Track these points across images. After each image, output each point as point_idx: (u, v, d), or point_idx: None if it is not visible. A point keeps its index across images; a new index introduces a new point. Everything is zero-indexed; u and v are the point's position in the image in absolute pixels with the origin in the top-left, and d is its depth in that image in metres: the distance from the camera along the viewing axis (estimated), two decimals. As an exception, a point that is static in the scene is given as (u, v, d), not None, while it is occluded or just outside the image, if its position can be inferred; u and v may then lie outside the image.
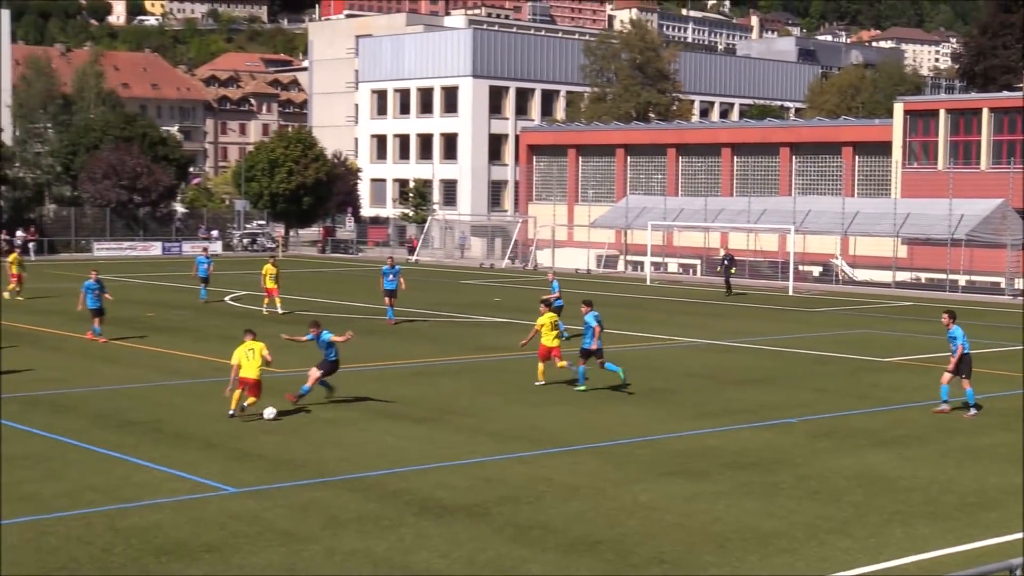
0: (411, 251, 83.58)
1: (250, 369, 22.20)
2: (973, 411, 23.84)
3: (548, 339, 26.68)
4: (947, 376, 24.21)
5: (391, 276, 39.66)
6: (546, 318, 26.84)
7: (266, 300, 42.37)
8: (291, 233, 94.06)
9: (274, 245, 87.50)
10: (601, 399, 25.34)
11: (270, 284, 42.10)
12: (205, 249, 52.81)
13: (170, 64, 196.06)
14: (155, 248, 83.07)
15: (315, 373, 23.65)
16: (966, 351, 24.03)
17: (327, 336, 23.65)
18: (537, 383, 26.80)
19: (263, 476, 18.16)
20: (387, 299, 39.99)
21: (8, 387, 25.86)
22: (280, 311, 41.24)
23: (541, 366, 26.94)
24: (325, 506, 16.49)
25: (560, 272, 69.63)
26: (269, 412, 22.37)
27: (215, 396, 24.88)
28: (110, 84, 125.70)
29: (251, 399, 22.38)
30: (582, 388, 26.26)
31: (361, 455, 19.71)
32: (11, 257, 48.64)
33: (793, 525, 15.92)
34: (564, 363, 26.67)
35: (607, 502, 16.94)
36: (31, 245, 76.47)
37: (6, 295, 45.77)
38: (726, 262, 56.66)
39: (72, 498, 16.74)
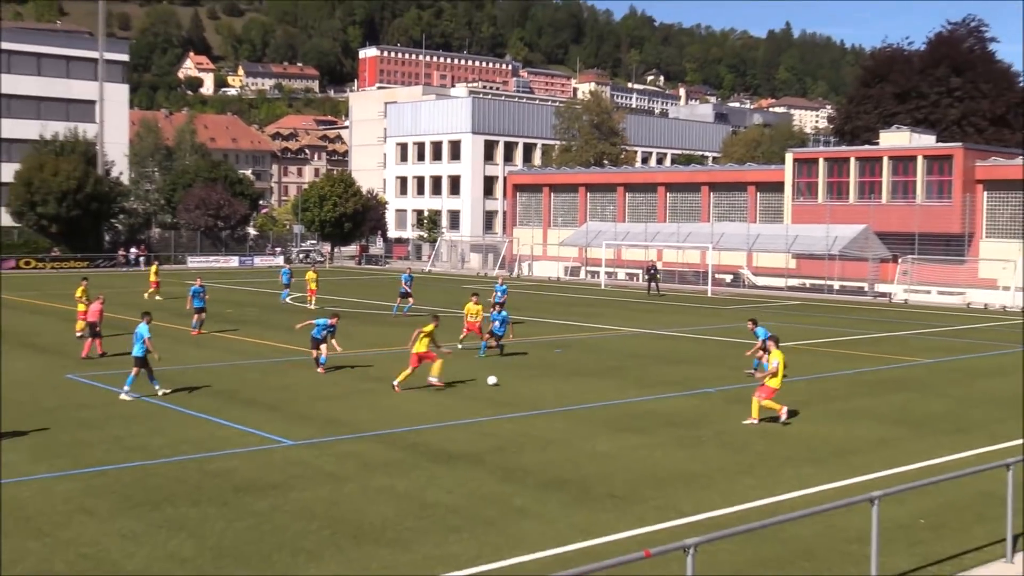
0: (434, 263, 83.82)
1: (417, 346, 22.50)
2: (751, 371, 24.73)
3: (471, 318, 29.15)
4: (761, 353, 24.56)
5: (408, 283, 39.72)
6: (471, 306, 29.06)
7: (310, 298, 42.65)
8: (335, 250, 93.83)
9: (322, 259, 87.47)
10: (569, 375, 25.28)
11: (312, 286, 42.45)
12: (288, 262, 52.04)
13: (246, 123, 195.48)
14: (233, 261, 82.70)
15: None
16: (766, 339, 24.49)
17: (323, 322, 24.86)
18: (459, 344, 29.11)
19: (314, 432, 18.07)
20: (399, 298, 39.89)
21: (126, 365, 25.70)
22: (312, 307, 41.39)
23: (465, 333, 29.30)
24: (360, 454, 16.40)
25: (536, 279, 69.71)
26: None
27: (278, 372, 24.82)
28: (201, 139, 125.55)
29: (408, 370, 22.60)
30: (483, 356, 28.07)
31: (388, 416, 19.62)
32: (153, 268, 48.21)
33: (712, 468, 15.88)
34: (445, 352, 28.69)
35: (573, 451, 16.88)
36: (142, 259, 76.21)
37: (157, 297, 45.26)
38: (652, 271, 56.83)
39: (171, 448, 16.64)
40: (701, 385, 23.99)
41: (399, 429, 18.40)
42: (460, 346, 29.18)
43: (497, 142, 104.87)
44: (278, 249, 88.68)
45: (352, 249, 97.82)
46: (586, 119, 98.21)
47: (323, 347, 24.58)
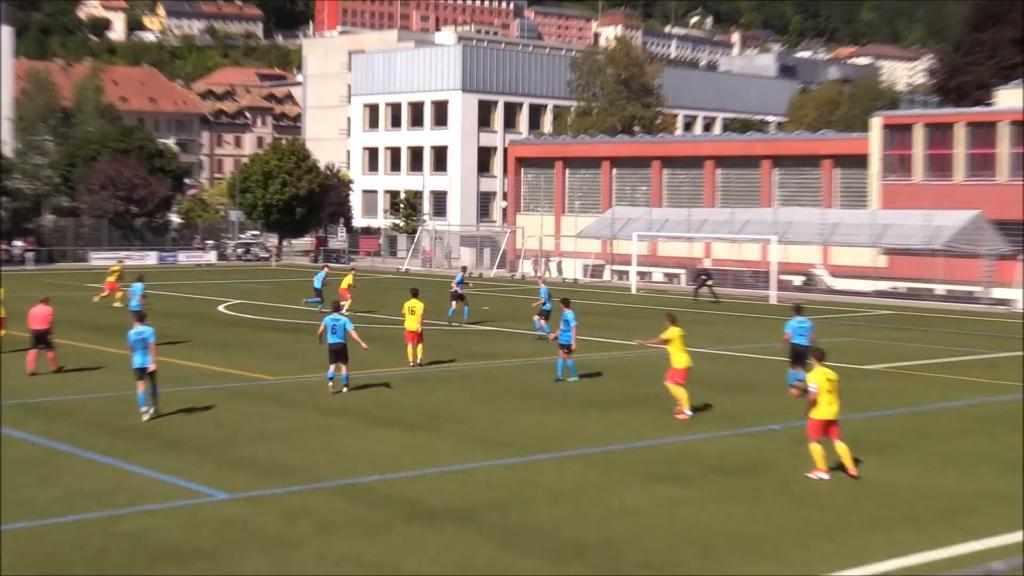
0: (424, 262, 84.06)
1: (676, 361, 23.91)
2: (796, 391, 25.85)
3: (411, 324, 31.41)
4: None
5: (459, 284, 43.02)
6: (413, 304, 31.44)
7: (345, 302, 43.97)
8: (284, 243, 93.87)
9: (267, 255, 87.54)
10: (588, 406, 25.16)
11: (343, 286, 45.59)
12: (326, 266, 52.75)
13: (167, 78, 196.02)
14: (151, 258, 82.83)
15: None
16: (793, 342, 26.68)
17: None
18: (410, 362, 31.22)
19: (255, 482, 17.97)
20: (455, 301, 42.80)
21: (6, 395, 25.63)
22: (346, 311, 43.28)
23: (411, 348, 31.64)
24: (316, 511, 16.30)
25: (546, 282, 69.63)
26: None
27: (207, 402, 24.73)
28: (109, 98, 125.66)
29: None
30: (575, 378, 28.35)
31: (353, 461, 19.53)
32: (115, 267, 49.30)
33: (777, 530, 15.78)
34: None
35: (594, 507, 16.78)
36: (29, 254, 76.24)
37: (95, 300, 46.86)
38: (703, 276, 56.78)
39: (66, 504, 16.53)
40: (762, 420, 23.91)
41: (367, 478, 18.33)
42: (413, 362, 31.03)
43: (495, 103, 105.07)
44: (209, 242, 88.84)
45: (306, 242, 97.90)
46: (611, 73, 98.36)
47: None
